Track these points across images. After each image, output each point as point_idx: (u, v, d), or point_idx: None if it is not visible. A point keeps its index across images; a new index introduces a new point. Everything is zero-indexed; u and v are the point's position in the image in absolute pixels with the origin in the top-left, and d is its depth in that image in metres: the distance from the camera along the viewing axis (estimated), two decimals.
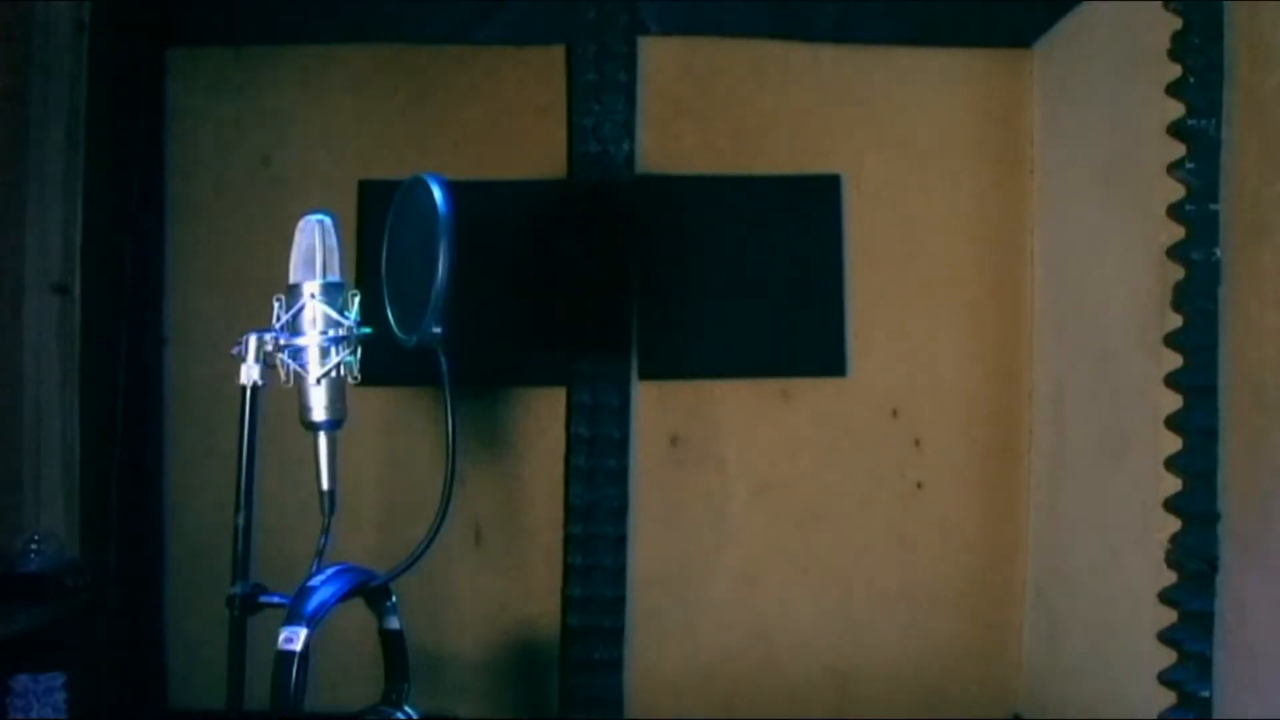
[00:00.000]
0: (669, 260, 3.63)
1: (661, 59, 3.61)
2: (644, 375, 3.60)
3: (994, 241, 3.65)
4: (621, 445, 3.57)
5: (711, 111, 3.63)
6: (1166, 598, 2.62)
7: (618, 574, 3.56)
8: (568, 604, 3.56)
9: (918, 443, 3.63)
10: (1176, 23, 2.61)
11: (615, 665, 3.56)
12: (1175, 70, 2.61)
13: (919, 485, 3.63)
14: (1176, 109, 2.60)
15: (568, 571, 3.56)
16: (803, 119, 3.65)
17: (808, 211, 3.64)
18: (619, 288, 3.59)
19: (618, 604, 3.56)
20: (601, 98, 3.56)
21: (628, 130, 3.57)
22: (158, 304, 3.57)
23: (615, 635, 3.56)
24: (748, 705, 3.59)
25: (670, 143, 3.61)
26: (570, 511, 3.56)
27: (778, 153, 3.64)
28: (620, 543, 3.57)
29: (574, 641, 3.55)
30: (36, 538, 3.07)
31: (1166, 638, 2.62)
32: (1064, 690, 3.32)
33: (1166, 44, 2.63)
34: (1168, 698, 2.63)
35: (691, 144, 3.63)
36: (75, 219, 3.23)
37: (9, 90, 3.10)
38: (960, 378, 3.64)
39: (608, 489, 3.56)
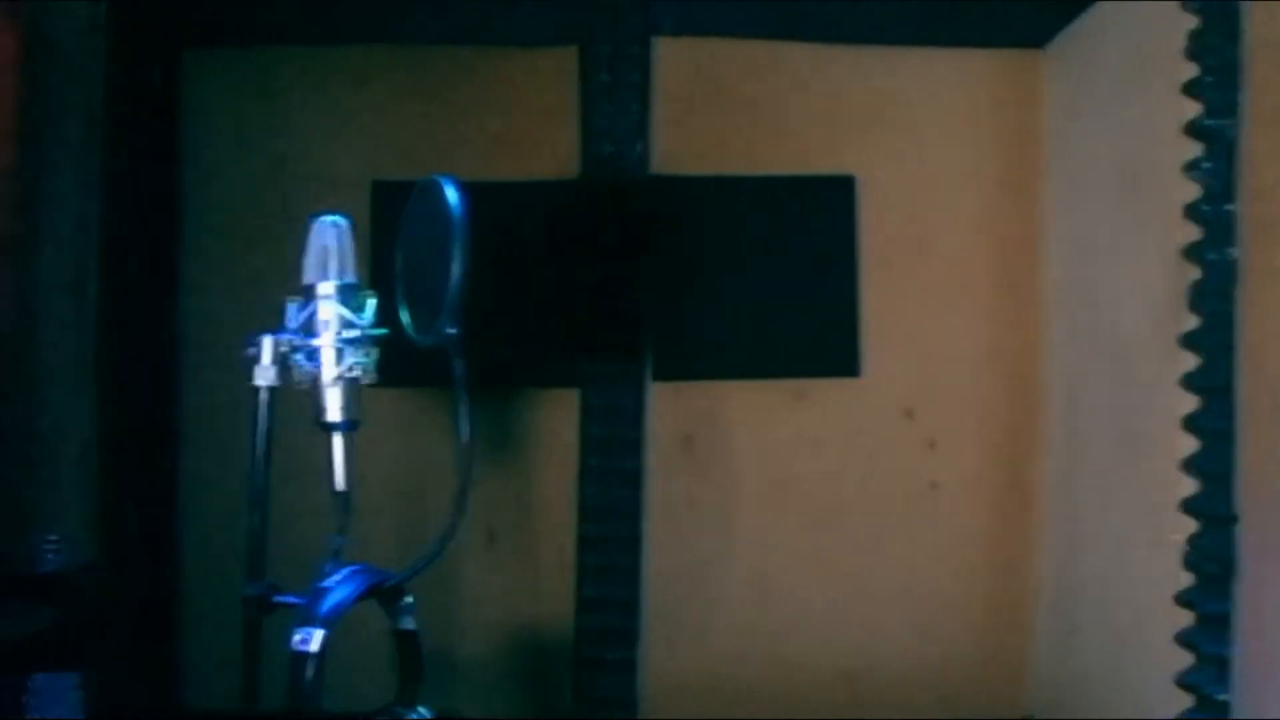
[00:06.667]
0: (682, 261, 3.62)
1: (675, 60, 3.60)
2: (658, 376, 3.60)
3: (1007, 242, 3.63)
4: (635, 446, 3.57)
5: (725, 112, 3.62)
6: (1183, 600, 2.61)
7: (631, 575, 3.56)
8: (581, 605, 3.56)
9: (932, 444, 3.62)
10: (1191, 22, 2.60)
11: (628, 666, 3.56)
12: (1191, 70, 2.60)
13: (933, 486, 3.62)
14: (1192, 109, 2.59)
15: (581, 572, 3.56)
16: (816, 120, 3.64)
17: (821, 212, 3.63)
18: (632, 289, 3.58)
19: (631, 605, 3.56)
20: (614, 99, 3.55)
21: (641, 131, 3.56)
22: (172, 305, 3.58)
23: (628, 636, 3.56)
24: (760, 706, 3.59)
25: (683, 143, 3.61)
26: (584, 512, 3.56)
27: (791, 153, 3.63)
28: (634, 543, 3.57)
29: (587, 642, 3.55)
30: (53, 538, 3.07)
31: (1183, 640, 2.61)
32: (1078, 692, 3.31)
33: (1182, 43, 2.62)
34: (1185, 700, 2.62)
35: (705, 145, 3.62)
36: (90, 220, 3.23)
37: (22, 91, 3.11)
38: (974, 378, 3.63)
39: (621, 490, 3.56)
